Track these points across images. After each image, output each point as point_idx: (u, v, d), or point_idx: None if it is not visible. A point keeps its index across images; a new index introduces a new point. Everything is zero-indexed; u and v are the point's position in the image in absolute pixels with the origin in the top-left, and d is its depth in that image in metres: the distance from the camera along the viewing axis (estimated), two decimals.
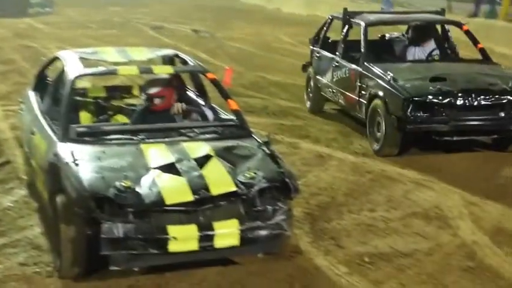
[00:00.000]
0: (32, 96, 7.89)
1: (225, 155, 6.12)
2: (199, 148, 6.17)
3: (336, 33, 11.86)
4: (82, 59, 7.23)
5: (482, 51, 10.72)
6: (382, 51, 10.93)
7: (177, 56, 7.88)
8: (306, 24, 25.88)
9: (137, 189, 5.56)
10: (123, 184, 5.52)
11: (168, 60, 7.99)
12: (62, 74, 7.37)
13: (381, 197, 7.78)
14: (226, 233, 5.63)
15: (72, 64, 7.11)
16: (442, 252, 6.44)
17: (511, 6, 21.15)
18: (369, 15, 11.55)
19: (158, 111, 6.91)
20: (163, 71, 7.33)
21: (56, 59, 7.97)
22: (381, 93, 9.30)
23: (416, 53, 10.59)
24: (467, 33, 11.04)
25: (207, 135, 6.52)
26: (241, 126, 6.77)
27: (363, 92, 9.81)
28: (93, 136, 6.35)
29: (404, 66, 10.21)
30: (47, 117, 7.01)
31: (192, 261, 5.83)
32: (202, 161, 5.94)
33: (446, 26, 11.31)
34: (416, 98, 8.90)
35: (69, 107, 6.74)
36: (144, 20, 25.89)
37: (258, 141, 6.50)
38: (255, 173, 5.86)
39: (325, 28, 12.06)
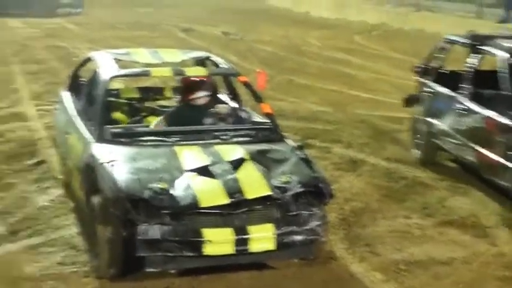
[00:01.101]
0: (67, 96, 8.01)
1: (259, 158, 6.10)
2: (234, 151, 6.15)
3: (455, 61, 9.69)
4: (115, 60, 7.30)
5: None
6: None
7: (208, 58, 7.85)
8: (334, 27, 26.01)
9: (172, 191, 5.57)
10: (158, 186, 5.53)
11: (200, 63, 7.91)
12: (95, 74, 7.40)
13: (416, 204, 7.68)
14: (262, 237, 5.62)
15: (106, 65, 7.18)
16: (479, 261, 6.34)
17: None
18: (507, 41, 8.13)
19: (198, 107, 6.96)
20: (196, 73, 7.18)
21: (89, 59, 8.05)
22: None
23: None
24: None
25: (241, 138, 6.52)
26: (275, 129, 6.73)
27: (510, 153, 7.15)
28: (128, 137, 6.42)
29: None
30: (82, 117, 7.07)
31: (227, 265, 5.83)
32: (236, 164, 5.92)
33: None
34: None
35: (104, 107, 6.78)
36: (173, 21, 25.95)
37: (291, 145, 6.50)
38: (289, 178, 5.82)
39: (439, 55, 9.23)
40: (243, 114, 7.20)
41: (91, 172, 5.98)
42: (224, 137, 6.47)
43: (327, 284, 5.85)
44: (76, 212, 7.17)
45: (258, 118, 7.16)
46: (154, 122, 7.21)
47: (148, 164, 5.88)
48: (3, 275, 5.88)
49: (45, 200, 7.57)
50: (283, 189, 5.72)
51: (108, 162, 5.79)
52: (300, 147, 6.40)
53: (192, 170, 5.80)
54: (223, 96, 7.87)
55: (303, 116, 11.67)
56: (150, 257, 5.52)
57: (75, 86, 8.14)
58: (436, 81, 8.94)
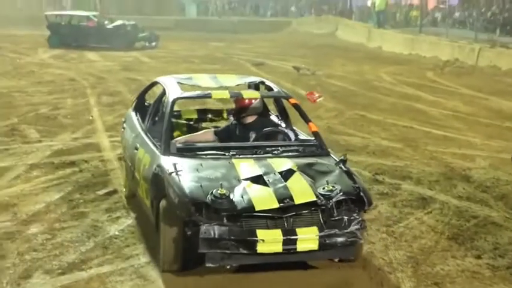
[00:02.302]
0: (133, 115, 8.77)
1: (306, 170, 6.78)
2: (283, 163, 6.87)
3: None
4: (179, 83, 8.08)
5: None
6: None
7: (262, 82, 8.59)
8: (406, 63, 25.89)
9: (231, 196, 6.20)
10: (219, 192, 6.15)
11: (254, 86, 8.62)
12: (161, 96, 8.34)
13: (487, 244, 7.49)
14: (307, 238, 6.18)
15: (171, 88, 7.98)
16: None
17: None
18: None
19: (247, 125, 7.79)
20: (252, 96, 7.85)
21: (155, 83, 8.90)
22: None
23: None
24: None
25: (290, 153, 7.23)
26: (320, 146, 7.42)
27: None
28: (190, 151, 7.12)
29: None
30: (148, 134, 7.80)
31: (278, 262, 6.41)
32: (286, 175, 6.61)
33: None
34: None
35: (170, 125, 7.52)
36: (245, 56, 26.22)
37: (335, 159, 7.11)
38: (333, 187, 6.44)
39: None
40: (292, 133, 7.95)
41: (159, 181, 6.68)
42: (275, 152, 7.18)
43: None
44: (145, 242, 7.28)
45: (304, 136, 7.99)
46: (203, 131, 8.40)
47: (209, 174, 6.56)
48: None
49: (116, 230, 7.66)
50: (327, 197, 6.33)
51: (174, 172, 6.42)
52: (343, 161, 6.97)
53: (247, 179, 6.49)
54: (273, 117, 8.59)
55: (373, 152, 11.59)
56: (210, 253, 6.13)
57: (140, 107, 9.02)
58: None
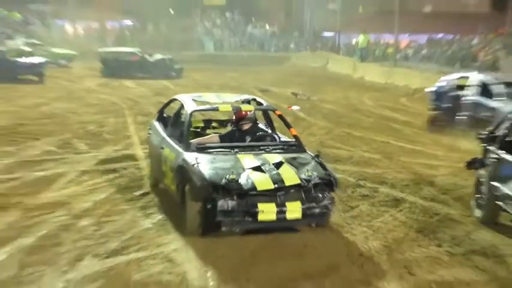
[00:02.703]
0: (157, 124, 9.40)
1: (291, 162, 7.62)
2: (274, 157, 7.69)
3: None
4: (193, 100, 8.85)
5: None
6: None
7: (254, 99, 9.41)
8: (384, 90, 26.00)
9: (239, 180, 7.08)
10: (230, 177, 7.05)
11: (247, 102, 9.39)
12: (179, 109, 9.07)
13: (446, 236, 7.61)
14: (293, 210, 7.12)
15: (188, 103, 8.75)
16: (498, 284, 6.28)
17: None
18: None
19: (243, 131, 8.55)
20: (248, 109, 8.65)
21: (173, 100, 9.64)
22: None
23: None
24: None
25: (278, 150, 8.04)
26: (299, 145, 8.28)
27: None
28: (206, 149, 7.88)
29: None
30: (171, 137, 8.51)
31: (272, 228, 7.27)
32: (277, 165, 7.46)
33: None
34: None
35: (189, 130, 8.36)
36: (254, 84, 26.26)
37: (311, 154, 8.00)
38: (311, 174, 7.36)
39: (506, 125, 8.23)
40: (276, 136, 8.74)
41: (183, 170, 7.47)
42: (267, 149, 8.02)
43: None
44: (173, 233, 7.37)
45: (285, 138, 8.74)
46: (210, 135, 9.08)
47: (221, 165, 7.40)
48: (117, 281, 6.08)
49: (149, 223, 7.74)
50: (307, 180, 7.25)
51: (196, 163, 7.29)
52: (317, 156, 7.92)
53: (249, 168, 7.33)
54: (261, 125, 9.20)
55: (357, 162, 11.68)
56: (224, 221, 7.06)
57: (161, 117, 9.66)
58: (502, 148, 7.87)
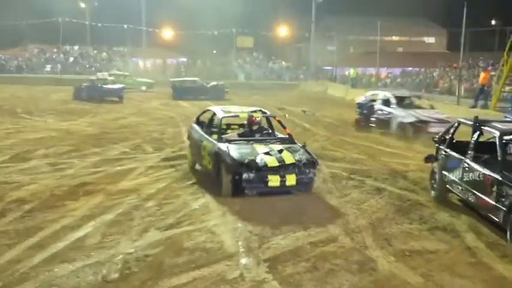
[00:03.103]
0: (196, 126, 10.08)
1: (288, 149, 8.38)
2: (277, 146, 8.46)
3: None
4: (222, 110, 9.64)
5: None
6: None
7: (260, 110, 9.80)
8: None
9: (256, 160, 7.94)
10: (250, 158, 7.97)
11: (255, 111, 9.68)
12: (212, 116, 9.86)
13: (416, 215, 7.47)
14: (291, 179, 7.96)
15: (219, 112, 9.52)
16: (455, 252, 6.15)
17: (498, 102, 20.20)
18: (498, 124, 7.47)
19: (253, 130, 9.16)
20: (257, 116, 9.29)
21: (207, 110, 10.33)
22: None
23: None
24: None
25: (278, 142, 8.76)
26: (292, 139, 8.97)
27: (502, 199, 6.36)
28: (232, 141, 8.59)
29: None
30: (207, 134, 9.29)
31: (277, 192, 7.98)
32: (279, 151, 8.25)
33: None
34: None
35: (220, 130, 9.14)
36: (273, 103, 26.10)
37: (299, 145, 8.72)
38: (301, 156, 8.22)
39: (451, 131, 8.41)
40: (275, 134, 9.39)
41: (218, 155, 8.21)
42: (271, 142, 8.75)
43: (362, 265, 5.69)
44: (214, 212, 7.30)
45: (281, 135, 9.30)
46: (232, 133, 9.53)
47: (244, 151, 8.18)
48: (172, 247, 6.02)
49: (197, 205, 7.70)
50: (299, 161, 8.09)
51: (227, 149, 8.14)
52: (304, 146, 8.69)
53: (262, 153, 8.12)
54: (265, 127, 9.70)
55: (349, 161, 11.49)
56: (247, 187, 7.89)
57: (198, 122, 10.31)
58: (448, 147, 8.19)
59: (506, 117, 14.30)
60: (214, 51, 56.19)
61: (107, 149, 12.08)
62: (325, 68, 48.82)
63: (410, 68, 41.31)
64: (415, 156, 11.89)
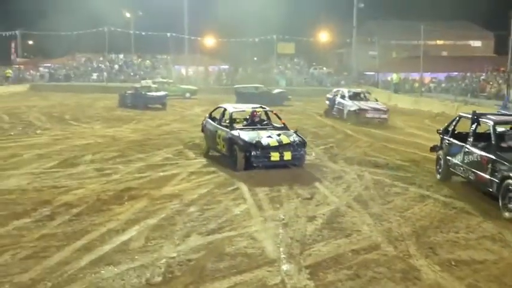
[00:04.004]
0: (209, 120, 12.30)
1: (284, 134, 10.69)
2: (276, 132, 10.81)
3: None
4: (232, 106, 12.15)
5: None
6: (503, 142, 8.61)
7: (261, 106, 12.07)
8: (412, 114, 25.18)
9: (261, 141, 10.17)
10: (257, 139, 10.23)
11: (256, 108, 11.94)
12: (223, 111, 12.02)
13: (462, 224, 7.27)
14: (287, 155, 10.24)
15: (230, 108, 11.87)
16: (504, 262, 5.95)
17: None
18: (493, 116, 9.30)
19: (256, 122, 11.54)
20: (258, 110, 11.78)
21: (218, 107, 12.54)
22: None
23: None
24: None
25: (277, 129, 11.09)
26: (286, 127, 11.30)
27: (496, 174, 7.88)
28: (241, 129, 10.94)
29: None
30: (221, 125, 11.49)
31: (277, 165, 10.14)
32: (278, 135, 10.55)
33: None
34: None
35: (232, 121, 11.26)
36: (313, 110, 26.03)
37: (292, 131, 11.03)
38: (294, 138, 10.55)
39: (454, 123, 9.99)
40: (273, 124, 11.60)
41: (231, 140, 10.60)
42: (270, 129, 11.07)
43: (406, 273, 5.56)
44: (255, 218, 7.31)
45: (277, 125, 11.49)
46: (239, 125, 11.44)
47: (252, 135, 10.51)
48: (214, 252, 6.04)
49: (238, 211, 7.74)
50: (293, 141, 10.42)
51: (238, 134, 10.50)
52: (296, 131, 11.01)
53: (265, 136, 10.42)
54: (265, 119, 11.95)
55: (392, 167, 11.28)
56: (255, 161, 10.14)
57: (211, 116, 12.46)
58: (451, 137, 9.84)
59: (499, 111, 17.22)
60: (255, 58, 56.47)
61: (150, 155, 12.28)
62: (367, 73, 48.23)
63: (456, 73, 40.26)
64: None
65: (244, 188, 9.01)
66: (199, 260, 5.81)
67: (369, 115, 19.90)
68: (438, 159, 10.12)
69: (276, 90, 31.16)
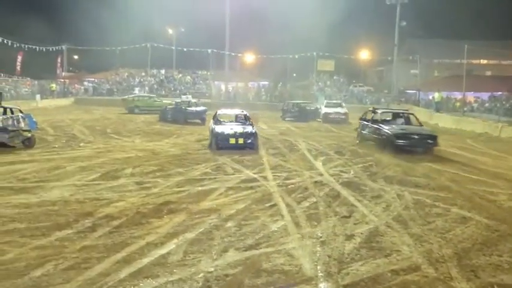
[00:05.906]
0: (212, 121, 17.52)
1: (243, 128, 15.78)
2: (240, 126, 16.00)
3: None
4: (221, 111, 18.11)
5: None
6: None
7: (242, 111, 17.94)
8: (454, 134, 24.65)
9: (224, 132, 15.35)
10: (222, 131, 15.43)
11: (240, 111, 18.67)
12: (216, 115, 17.49)
13: (506, 248, 7.04)
14: (240, 140, 15.09)
15: (219, 112, 17.53)
16: None
17: None
18: (381, 109, 19.33)
19: (238, 120, 17.15)
20: (241, 113, 17.89)
21: (216, 111, 17.96)
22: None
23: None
24: None
25: (242, 125, 16.33)
26: (252, 124, 16.43)
27: (380, 134, 16.37)
28: (220, 124, 16.60)
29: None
30: (214, 124, 16.88)
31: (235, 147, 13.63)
32: (238, 128, 15.67)
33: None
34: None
35: (216, 119, 17.01)
36: (351, 127, 25.83)
37: (251, 126, 16.10)
38: (247, 130, 15.44)
39: (366, 114, 18.98)
40: (247, 122, 17.07)
41: (211, 130, 16.27)
42: (240, 125, 16.10)
43: None
44: (292, 235, 7.28)
45: (250, 122, 17.10)
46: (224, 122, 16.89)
47: (222, 128, 15.67)
48: (251, 268, 6.06)
49: (275, 227, 7.70)
50: (246, 132, 15.41)
51: (214, 127, 16.40)
52: (253, 126, 16.17)
53: (229, 129, 15.61)
54: (245, 118, 17.90)
55: (432, 188, 11.01)
56: (220, 144, 15.20)
57: (215, 120, 17.27)
58: (364, 120, 18.38)
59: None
60: (294, 74, 56.59)
61: (189, 169, 12.43)
62: (408, 91, 47.61)
63: (500, 93, 39.27)
64: (504, 185, 11.29)
65: (281, 204, 8.99)
66: (237, 275, 5.82)
67: (331, 116, 28.10)
68: (359, 134, 18.92)
69: (313, 107, 32.62)
